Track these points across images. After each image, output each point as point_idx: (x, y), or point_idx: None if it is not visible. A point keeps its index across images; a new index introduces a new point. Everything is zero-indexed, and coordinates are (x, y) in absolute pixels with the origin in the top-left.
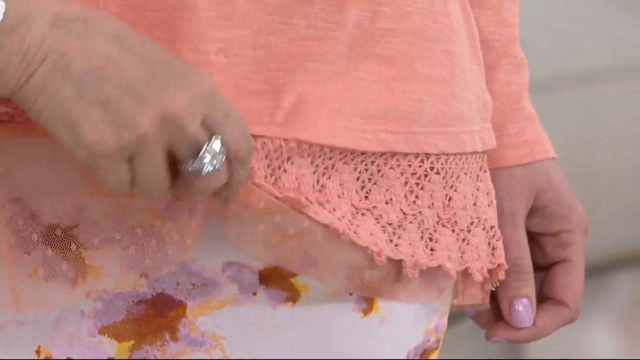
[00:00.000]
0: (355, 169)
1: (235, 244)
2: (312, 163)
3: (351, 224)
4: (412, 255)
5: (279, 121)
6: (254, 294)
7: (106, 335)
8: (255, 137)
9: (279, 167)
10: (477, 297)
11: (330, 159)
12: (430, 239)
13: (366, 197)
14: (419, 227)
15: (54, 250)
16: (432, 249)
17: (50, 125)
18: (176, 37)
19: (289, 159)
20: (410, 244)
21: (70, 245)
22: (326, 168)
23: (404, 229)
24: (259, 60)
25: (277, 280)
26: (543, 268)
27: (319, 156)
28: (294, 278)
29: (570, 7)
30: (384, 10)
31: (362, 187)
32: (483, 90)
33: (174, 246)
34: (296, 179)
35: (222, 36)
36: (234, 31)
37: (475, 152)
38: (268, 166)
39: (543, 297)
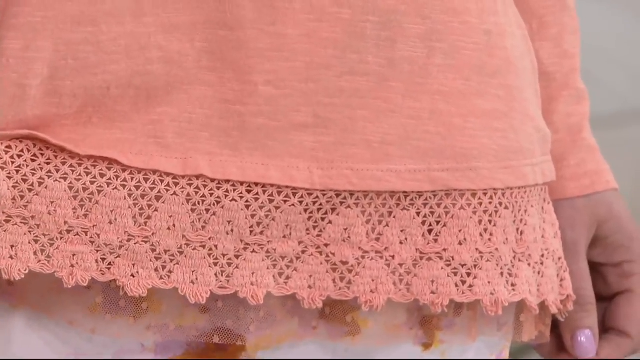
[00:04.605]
0: (418, 213)
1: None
2: (363, 213)
3: (408, 274)
4: (492, 293)
5: (320, 157)
6: (314, 328)
7: None
8: (293, 189)
9: (322, 219)
10: (532, 333)
11: (384, 206)
12: (510, 274)
13: (435, 241)
14: (497, 264)
15: (112, 283)
16: (513, 284)
17: None
18: (223, 67)
19: (333, 210)
20: (489, 282)
21: None
22: (382, 216)
23: (480, 268)
24: (310, 92)
25: (337, 315)
26: (606, 298)
27: (369, 204)
28: (355, 313)
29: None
30: (440, 46)
31: (430, 231)
32: (543, 123)
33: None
34: (345, 229)
35: (272, 68)
36: (285, 63)
37: (536, 185)
38: (309, 219)
39: (606, 328)
